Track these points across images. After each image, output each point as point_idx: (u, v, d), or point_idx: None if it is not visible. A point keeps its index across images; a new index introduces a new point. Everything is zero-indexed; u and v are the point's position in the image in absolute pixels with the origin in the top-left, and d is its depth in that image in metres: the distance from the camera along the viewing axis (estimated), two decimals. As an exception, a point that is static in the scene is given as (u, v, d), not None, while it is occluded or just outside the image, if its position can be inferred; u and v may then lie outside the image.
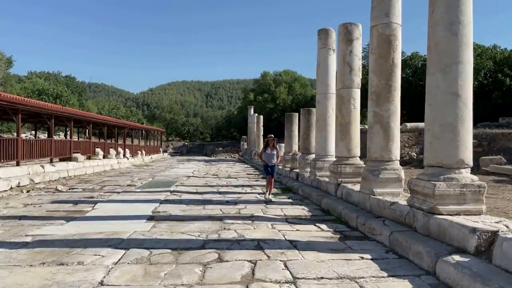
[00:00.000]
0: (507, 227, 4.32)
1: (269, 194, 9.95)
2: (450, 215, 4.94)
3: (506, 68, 37.71)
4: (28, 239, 5.64)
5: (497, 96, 36.45)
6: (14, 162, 14.06)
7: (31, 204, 8.91)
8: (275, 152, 10.24)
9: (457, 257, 4.06)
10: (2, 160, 13.28)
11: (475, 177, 5.22)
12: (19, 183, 12.28)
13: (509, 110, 34.69)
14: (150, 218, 7.36)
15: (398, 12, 7.40)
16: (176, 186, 13.19)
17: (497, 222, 4.57)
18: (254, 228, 6.56)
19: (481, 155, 17.37)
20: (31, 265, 4.43)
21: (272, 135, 10.68)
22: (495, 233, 4.12)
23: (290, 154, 16.39)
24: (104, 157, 23.43)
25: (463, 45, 5.13)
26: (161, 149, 44.93)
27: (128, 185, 13.18)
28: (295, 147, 17.11)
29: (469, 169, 5.30)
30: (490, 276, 3.53)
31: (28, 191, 11.28)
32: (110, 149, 25.41)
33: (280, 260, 4.70)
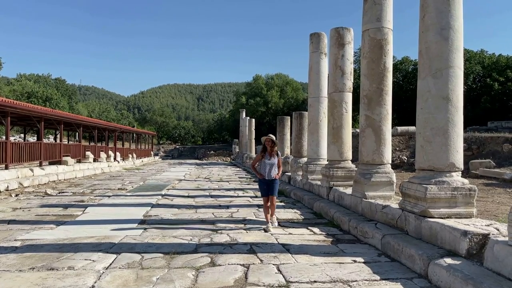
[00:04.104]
0: (498, 230, 4.36)
1: (272, 215, 7.02)
2: (442, 218, 4.98)
3: (495, 73, 38.28)
4: (17, 244, 5.55)
5: (485, 100, 36.97)
6: (3, 166, 13.86)
7: (20, 208, 8.78)
8: (275, 161, 7.02)
9: (448, 260, 4.09)
10: (-10, 164, 13.09)
11: (466, 181, 5.27)
12: (7, 186, 12.11)
13: (498, 114, 35.21)
14: (142, 222, 7.30)
15: (389, 17, 7.47)
16: (168, 189, 13.11)
17: (488, 225, 4.61)
18: (247, 232, 6.54)
19: (470, 158, 17.57)
20: (20, 270, 4.36)
21: (271, 135, 7.19)
22: (486, 236, 4.16)
23: (282, 157, 16.42)
24: (94, 160, 23.22)
25: (454, 50, 5.19)
26: (152, 153, 44.66)
27: (119, 189, 13.07)
28: (287, 151, 17.18)
29: (460, 172, 5.35)
30: (482, 278, 3.55)
31: (17, 195, 11.12)
32: (101, 152, 25.17)
33: (273, 264, 4.69)
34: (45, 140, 20.24)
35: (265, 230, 6.62)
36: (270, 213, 6.95)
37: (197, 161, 42.67)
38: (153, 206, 9.32)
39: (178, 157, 51.66)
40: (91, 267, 4.49)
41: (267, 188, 6.98)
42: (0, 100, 13.82)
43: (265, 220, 6.99)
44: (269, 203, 6.98)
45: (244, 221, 7.54)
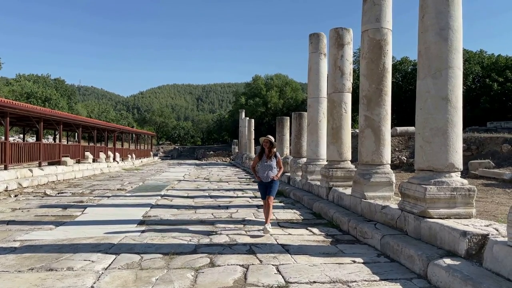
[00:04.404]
0: (497, 230, 4.36)
1: (266, 222, 6.60)
2: (441, 218, 4.98)
3: (494, 73, 38.31)
4: (17, 244, 5.55)
5: (485, 100, 37.01)
6: (2, 166, 13.84)
7: (19, 209, 8.76)
8: (273, 163, 6.72)
9: (448, 261, 4.09)
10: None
11: (465, 181, 5.27)
12: (7, 187, 12.09)
13: (497, 115, 35.25)
14: (141, 223, 7.29)
15: (389, 17, 7.47)
16: (167, 190, 13.10)
17: (487, 226, 4.61)
18: (246, 232, 6.53)
19: (470, 159, 17.58)
20: (19, 271, 4.35)
21: (270, 136, 6.92)
22: (485, 237, 4.16)
23: (282, 157, 16.42)
24: (93, 161, 23.20)
25: (453, 50, 5.20)
26: (151, 153, 44.64)
27: (118, 189, 13.06)
28: (287, 151, 17.17)
29: (459, 173, 5.35)
30: (481, 279, 3.55)
31: (16, 196, 11.11)
32: (100, 152, 25.16)
33: (273, 265, 4.69)
34: (44, 141, 20.22)
35: (265, 231, 6.52)
36: (267, 217, 6.66)
37: (197, 161, 42.66)
38: (152, 206, 9.32)
39: (178, 158, 51.64)
40: (90, 268, 4.48)
41: (265, 190, 6.74)
42: (-1, 101, 13.81)
43: (264, 220, 6.94)
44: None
45: (243, 221, 7.54)
